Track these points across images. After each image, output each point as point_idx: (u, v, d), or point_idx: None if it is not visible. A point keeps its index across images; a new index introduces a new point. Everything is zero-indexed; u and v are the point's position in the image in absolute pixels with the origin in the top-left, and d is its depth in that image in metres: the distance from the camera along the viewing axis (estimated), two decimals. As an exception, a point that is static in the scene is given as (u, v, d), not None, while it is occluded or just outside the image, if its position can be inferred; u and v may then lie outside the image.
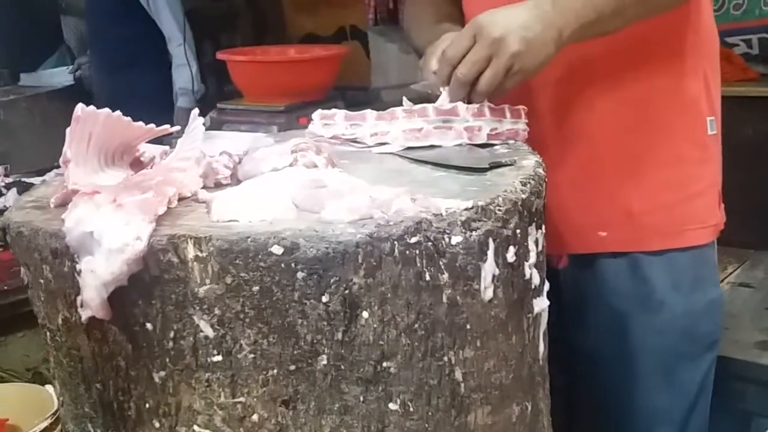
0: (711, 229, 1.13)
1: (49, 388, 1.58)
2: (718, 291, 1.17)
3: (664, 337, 1.11)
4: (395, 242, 0.70)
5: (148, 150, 0.90)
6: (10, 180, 2.09)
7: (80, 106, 0.79)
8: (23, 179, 2.55)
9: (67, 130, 0.80)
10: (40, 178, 0.95)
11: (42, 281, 0.77)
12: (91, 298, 0.68)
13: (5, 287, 2.00)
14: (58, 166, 1.08)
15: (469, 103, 0.95)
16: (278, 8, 3.94)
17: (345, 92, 2.84)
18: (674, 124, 1.09)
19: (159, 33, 2.93)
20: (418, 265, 0.72)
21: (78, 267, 0.69)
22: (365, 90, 3.05)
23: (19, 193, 2.27)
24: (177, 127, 0.88)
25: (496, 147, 0.95)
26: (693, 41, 1.09)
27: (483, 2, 1.05)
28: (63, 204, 0.78)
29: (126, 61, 2.94)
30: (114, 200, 0.69)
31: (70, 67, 2.63)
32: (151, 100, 2.83)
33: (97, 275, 0.67)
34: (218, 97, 2.73)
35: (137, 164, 0.88)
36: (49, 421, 1.43)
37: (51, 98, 2.62)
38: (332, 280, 0.70)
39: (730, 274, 1.90)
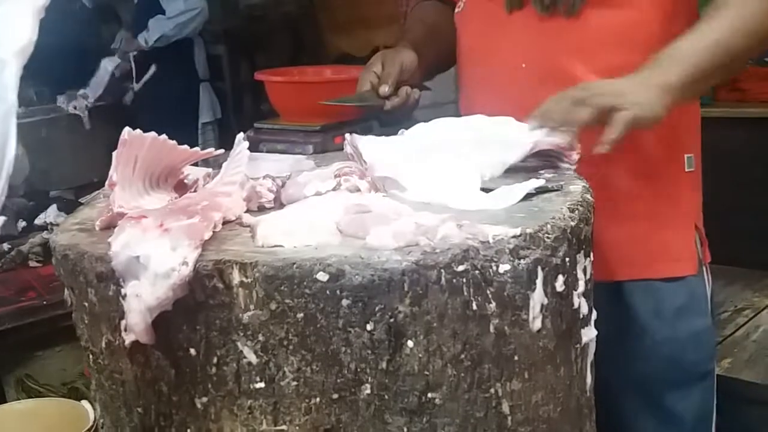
0: (683, 264, 1.11)
1: (84, 403, 1.59)
2: (706, 322, 1.14)
3: (647, 363, 1.11)
4: (442, 270, 0.69)
5: (191, 172, 0.90)
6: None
7: (127, 129, 0.79)
8: (63, 196, 2.60)
9: (114, 154, 0.80)
10: (85, 198, 0.95)
11: (86, 304, 0.77)
12: (136, 323, 0.68)
13: (44, 302, 2.02)
14: (97, 182, 1.09)
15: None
16: (314, 29, 3.98)
17: (379, 112, 2.85)
18: (653, 156, 1.08)
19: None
20: (465, 293, 0.70)
21: (123, 291, 0.69)
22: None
23: (60, 209, 2.31)
24: (221, 151, 0.88)
25: (541, 171, 0.93)
26: None
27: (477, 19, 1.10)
28: (108, 227, 0.78)
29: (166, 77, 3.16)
30: (161, 225, 0.69)
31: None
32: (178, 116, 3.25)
33: (143, 300, 0.67)
34: (255, 117, 2.79)
35: (181, 186, 0.88)
36: (84, 436, 1.43)
37: (90, 116, 2.71)
38: (377, 308, 0.69)
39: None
